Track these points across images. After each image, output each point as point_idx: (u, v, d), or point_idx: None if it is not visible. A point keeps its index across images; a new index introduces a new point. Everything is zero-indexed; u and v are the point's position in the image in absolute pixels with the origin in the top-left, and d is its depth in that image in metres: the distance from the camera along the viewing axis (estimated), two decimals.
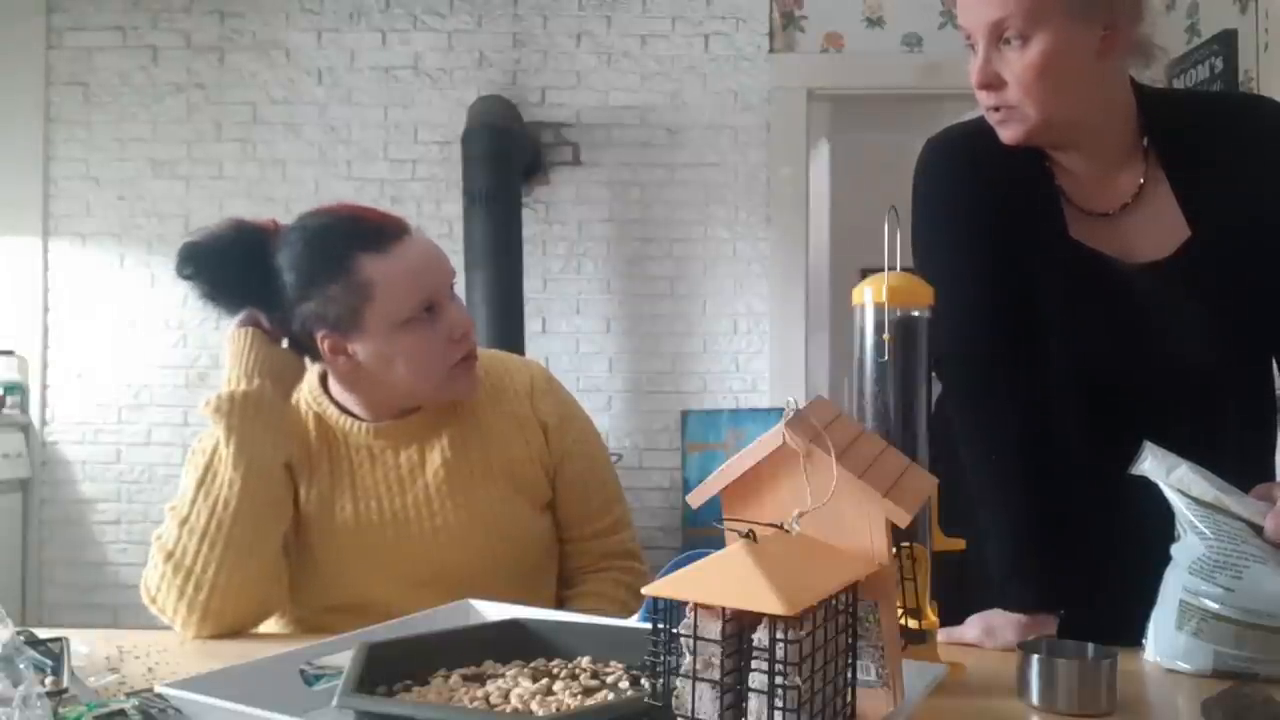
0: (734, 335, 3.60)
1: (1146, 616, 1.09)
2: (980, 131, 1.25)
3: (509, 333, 3.26)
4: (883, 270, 0.97)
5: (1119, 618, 1.11)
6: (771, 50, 3.60)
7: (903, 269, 0.98)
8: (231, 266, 1.32)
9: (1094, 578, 1.15)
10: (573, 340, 3.62)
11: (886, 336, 0.97)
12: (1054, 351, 1.22)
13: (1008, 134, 1.21)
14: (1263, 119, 1.26)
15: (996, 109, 1.20)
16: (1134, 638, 1.09)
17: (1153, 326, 1.23)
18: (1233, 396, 1.26)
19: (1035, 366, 1.21)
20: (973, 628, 1.13)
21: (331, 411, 1.39)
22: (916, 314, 0.98)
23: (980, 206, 1.25)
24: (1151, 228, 1.23)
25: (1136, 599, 1.12)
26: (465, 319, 1.35)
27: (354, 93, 3.63)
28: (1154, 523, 1.10)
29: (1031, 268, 1.22)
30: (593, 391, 3.55)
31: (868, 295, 0.98)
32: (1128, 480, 1.09)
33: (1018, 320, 1.22)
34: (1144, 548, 1.13)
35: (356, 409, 1.39)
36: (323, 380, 1.42)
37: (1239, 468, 1.18)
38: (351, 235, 1.30)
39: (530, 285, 3.47)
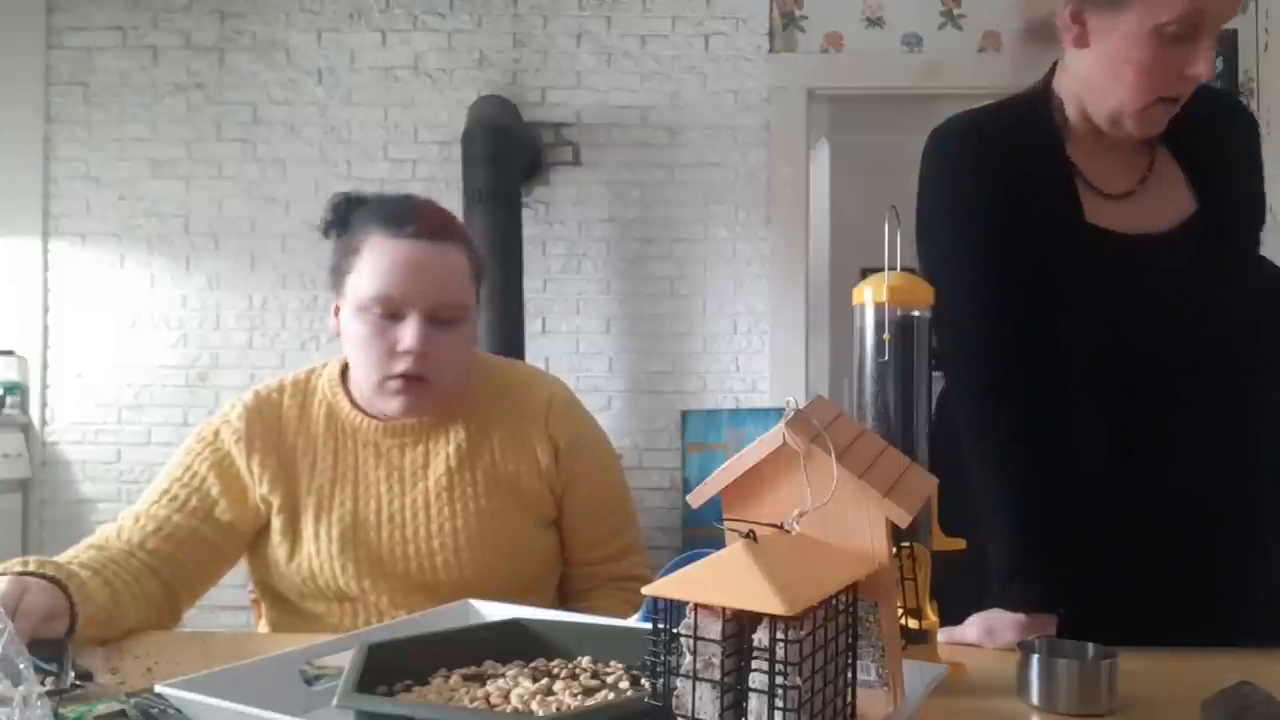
0: (734, 335, 3.60)
1: (1152, 614, 1.09)
2: (989, 118, 1.26)
3: (509, 333, 3.25)
4: (883, 270, 0.97)
5: (1125, 615, 1.11)
6: (771, 50, 3.60)
7: (903, 269, 0.98)
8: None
9: (1100, 575, 1.15)
10: (573, 340, 3.62)
11: (886, 336, 0.97)
12: (1068, 335, 1.22)
13: (1160, 125, 1.22)
14: (1239, 123, 1.32)
15: (1174, 100, 1.20)
16: (1141, 637, 1.09)
17: (1169, 305, 1.23)
18: (1249, 376, 1.27)
19: (1045, 357, 1.21)
20: (973, 628, 1.13)
21: (344, 404, 1.39)
22: (916, 314, 0.98)
23: (988, 189, 1.25)
24: (1162, 206, 1.25)
25: (1143, 596, 1.12)
26: (419, 342, 1.28)
27: (354, 93, 3.62)
28: (1161, 518, 1.10)
29: (1046, 251, 1.22)
30: (593, 391, 3.55)
31: (868, 295, 0.98)
32: (1139, 475, 1.09)
33: (1027, 306, 1.21)
34: (1151, 543, 1.13)
35: (365, 403, 1.39)
36: (343, 372, 1.42)
37: (1258, 449, 1.19)
38: (385, 209, 1.34)
39: (530, 285, 3.47)
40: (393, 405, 1.33)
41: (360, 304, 1.30)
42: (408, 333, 1.28)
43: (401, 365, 1.29)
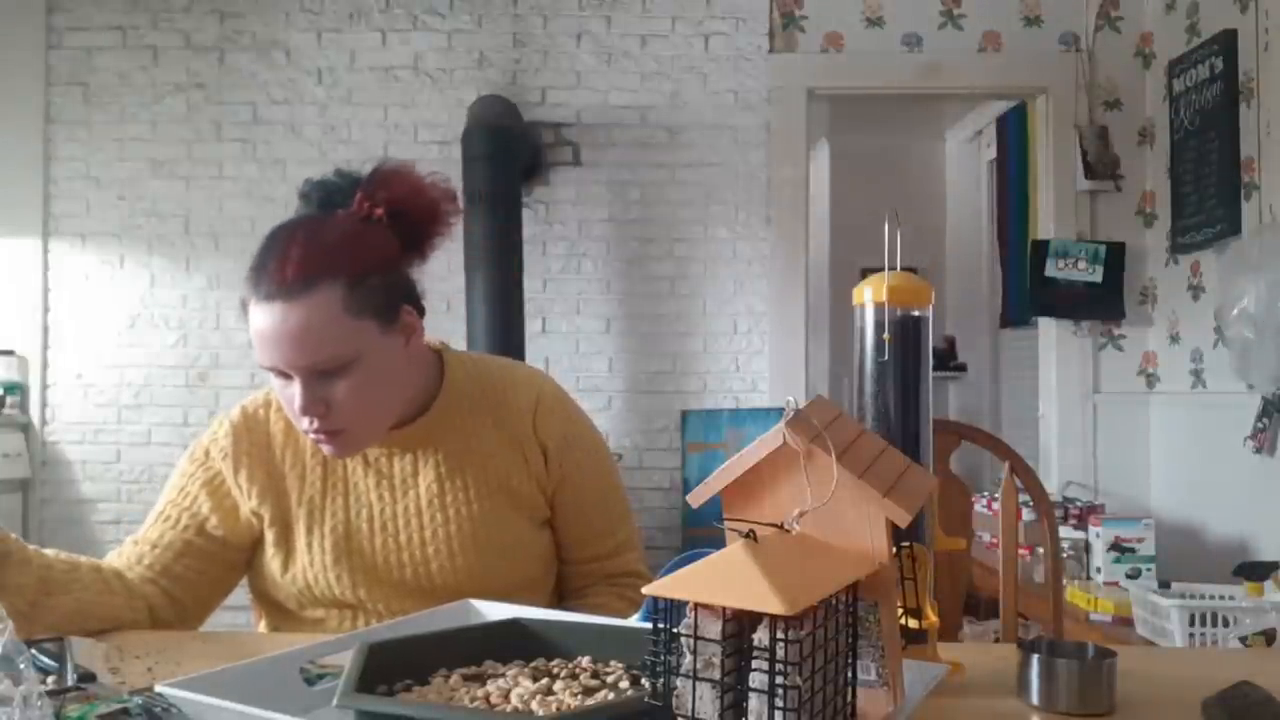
0: (734, 335, 3.60)
1: None
2: None
3: (509, 333, 3.26)
4: (883, 270, 0.97)
5: None
6: (771, 50, 3.60)
7: (903, 268, 0.98)
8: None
9: None
10: (573, 340, 3.62)
11: (886, 336, 0.97)
12: None
13: None
14: None
15: None
16: None
17: None
18: None
19: None
20: None
21: None
22: (916, 314, 0.98)
23: None
24: None
25: None
26: (307, 406, 1.22)
27: (354, 93, 3.63)
28: None
29: None
30: (593, 391, 3.55)
31: (868, 295, 0.98)
32: None
33: None
34: None
35: None
36: None
37: None
38: (254, 260, 1.24)
39: (530, 285, 3.47)
40: (325, 452, 1.32)
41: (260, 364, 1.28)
42: (296, 396, 1.24)
43: (304, 424, 1.26)
